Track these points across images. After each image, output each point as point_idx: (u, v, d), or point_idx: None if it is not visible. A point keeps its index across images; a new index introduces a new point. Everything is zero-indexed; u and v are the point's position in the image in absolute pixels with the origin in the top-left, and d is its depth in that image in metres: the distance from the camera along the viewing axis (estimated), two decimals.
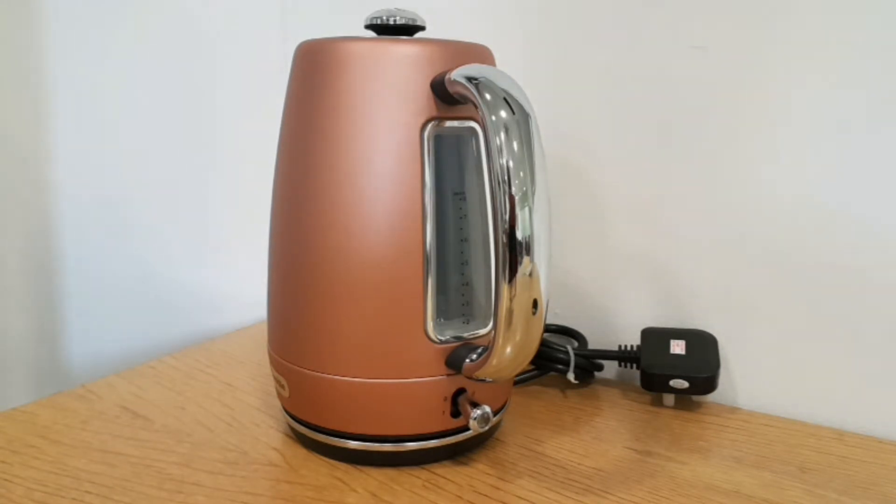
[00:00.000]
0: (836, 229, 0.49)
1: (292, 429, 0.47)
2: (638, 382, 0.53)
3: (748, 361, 0.53)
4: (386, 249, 0.40)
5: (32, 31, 0.61)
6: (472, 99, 0.36)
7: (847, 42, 0.47)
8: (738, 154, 0.52)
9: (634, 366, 0.55)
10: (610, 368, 0.58)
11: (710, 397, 0.53)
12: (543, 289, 0.35)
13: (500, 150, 0.34)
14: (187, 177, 0.71)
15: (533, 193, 0.35)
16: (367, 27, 0.43)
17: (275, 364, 0.45)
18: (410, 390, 0.41)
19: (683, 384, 0.50)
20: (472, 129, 0.42)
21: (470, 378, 0.40)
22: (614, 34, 0.56)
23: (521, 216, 0.34)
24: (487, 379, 0.39)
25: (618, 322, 0.59)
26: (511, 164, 0.34)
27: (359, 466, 0.43)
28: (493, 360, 0.37)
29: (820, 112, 0.49)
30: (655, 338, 0.54)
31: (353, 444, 0.43)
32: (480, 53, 0.43)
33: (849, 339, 0.50)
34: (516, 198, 0.34)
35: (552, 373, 0.57)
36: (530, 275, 0.35)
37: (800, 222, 0.50)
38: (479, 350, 0.40)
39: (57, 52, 0.62)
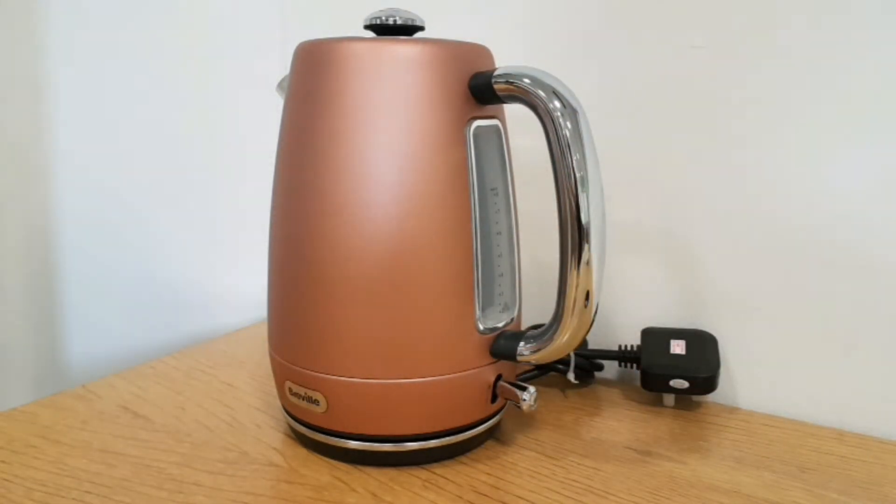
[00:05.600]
0: (836, 229, 0.49)
1: (292, 429, 0.47)
2: (638, 382, 0.53)
3: (748, 361, 0.53)
4: (437, 248, 0.40)
5: (33, 32, 0.61)
6: (529, 95, 0.39)
7: (854, 41, 0.47)
8: (738, 155, 0.52)
9: (634, 366, 0.55)
10: (610, 368, 0.58)
11: (710, 397, 0.53)
12: (596, 277, 0.39)
13: (566, 138, 0.38)
14: (187, 177, 0.71)
15: (587, 181, 0.38)
16: (367, 27, 0.43)
17: (302, 379, 0.43)
18: (462, 383, 0.42)
19: (683, 384, 0.50)
20: (496, 128, 0.44)
21: (520, 363, 0.43)
22: (615, 33, 0.56)
23: (582, 202, 0.38)
24: (532, 362, 0.43)
25: (618, 322, 0.59)
26: (571, 149, 0.38)
27: (359, 466, 0.43)
28: (552, 345, 0.41)
29: (819, 112, 0.49)
30: (655, 338, 0.54)
31: (353, 444, 0.43)
32: (480, 53, 0.43)
33: (848, 339, 0.50)
34: (578, 184, 0.38)
35: (552, 373, 0.57)
36: (587, 263, 0.38)
37: (800, 222, 0.50)
38: (529, 336, 0.42)
39: (57, 52, 0.62)
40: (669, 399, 0.53)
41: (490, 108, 0.43)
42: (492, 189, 0.43)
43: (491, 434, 0.47)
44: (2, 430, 0.47)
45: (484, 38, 0.45)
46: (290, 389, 0.44)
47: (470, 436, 0.44)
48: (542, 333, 0.42)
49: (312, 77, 0.41)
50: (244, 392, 0.55)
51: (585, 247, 0.38)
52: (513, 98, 0.40)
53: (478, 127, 0.42)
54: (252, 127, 0.72)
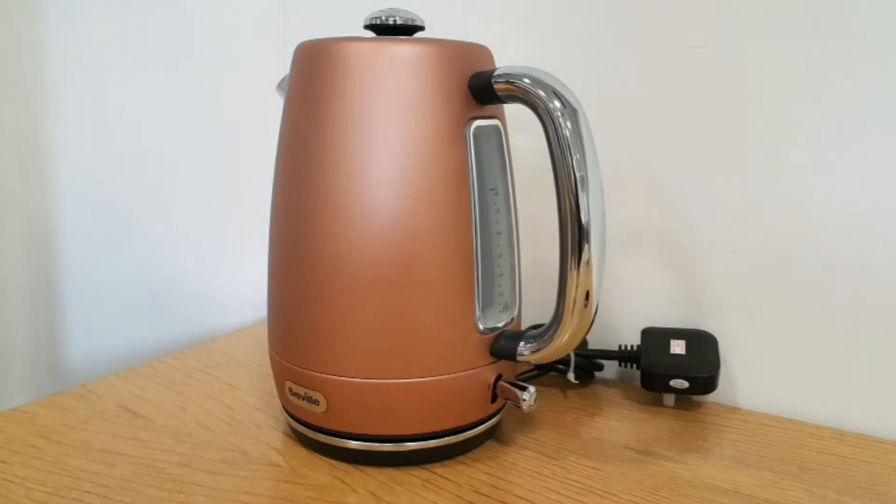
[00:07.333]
0: (836, 229, 0.49)
1: (292, 429, 0.47)
2: (638, 382, 0.53)
3: (748, 361, 0.53)
4: (437, 248, 0.40)
5: (32, 32, 0.61)
6: (529, 95, 0.39)
7: (851, 39, 0.47)
8: (738, 154, 0.52)
9: (634, 366, 0.55)
10: (610, 368, 0.58)
11: (710, 397, 0.53)
12: (596, 277, 0.39)
13: (566, 138, 0.38)
14: (187, 177, 0.71)
15: (587, 181, 0.38)
16: (367, 27, 0.43)
17: (302, 379, 0.43)
18: (462, 383, 0.42)
19: (683, 384, 0.50)
20: (496, 128, 0.44)
21: (520, 363, 0.43)
22: (615, 33, 0.56)
23: (582, 202, 0.38)
24: (532, 362, 0.43)
25: (618, 322, 0.59)
26: (571, 149, 0.38)
27: (359, 466, 0.43)
28: (552, 345, 0.41)
29: (817, 111, 0.49)
30: (655, 338, 0.54)
31: (353, 444, 0.43)
32: (480, 53, 0.43)
33: (849, 339, 0.50)
34: (578, 184, 0.38)
35: (552, 373, 0.57)
36: (587, 263, 0.38)
37: (799, 222, 0.50)
38: (529, 336, 0.42)
39: (57, 52, 0.62)
40: (669, 399, 0.53)
41: (490, 108, 0.43)
42: (492, 189, 0.43)
43: (491, 434, 0.47)
44: (2, 430, 0.47)
45: (484, 38, 0.45)
46: (290, 389, 0.44)
47: (470, 436, 0.44)
48: (542, 333, 0.42)
49: (312, 77, 0.41)
50: (244, 392, 0.55)
51: (585, 247, 0.38)
52: (513, 98, 0.40)
53: (478, 127, 0.42)
54: (252, 127, 0.72)
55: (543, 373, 0.57)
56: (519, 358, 0.43)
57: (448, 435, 0.43)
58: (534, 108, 0.39)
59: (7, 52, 0.60)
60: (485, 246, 0.42)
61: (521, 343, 0.42)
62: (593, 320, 0.40)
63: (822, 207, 0.49)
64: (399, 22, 0.42)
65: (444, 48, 0.41)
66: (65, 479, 0.42)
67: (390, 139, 0.40)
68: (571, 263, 0.39)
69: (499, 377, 0.44)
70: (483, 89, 0.41)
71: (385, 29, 0.43)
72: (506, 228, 0.44)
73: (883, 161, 0.47)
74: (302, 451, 0.45)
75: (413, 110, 0.40)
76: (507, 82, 0.40)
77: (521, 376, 0.55)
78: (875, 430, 0.49)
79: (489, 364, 0.43)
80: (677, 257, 0.56)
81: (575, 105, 0.38)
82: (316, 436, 0.44)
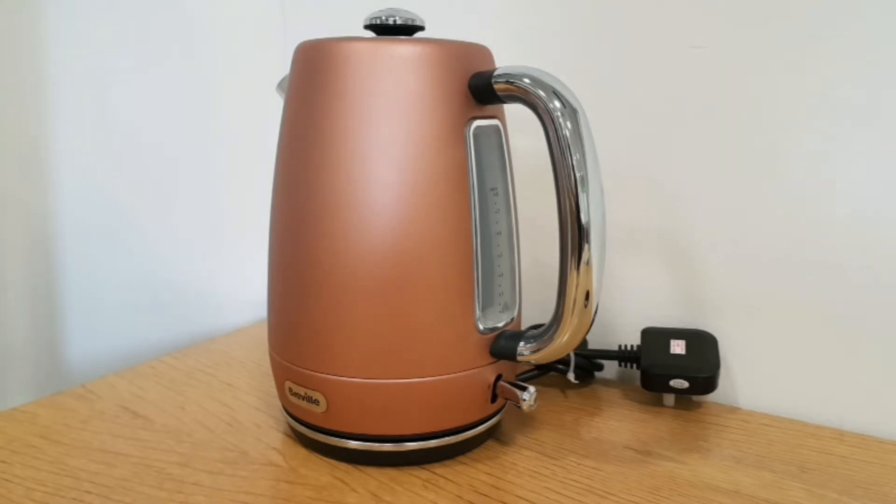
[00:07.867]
0: (836, 229, 0.49)
1: (292, 429, 0.47)
2: (638, 382, 0.53)
3: (748, 361, 0.53)
4: (437, 248, 0.40)
5: (33, 32, 0.61)
6: (529, 95, 0.39)
7: (850, 39, 0.47)
8: (738, 154, 0.52)
9: (634, 366, 0.55)
10: (610, 368, 0.58)
11: (710, 397, 0.53)
12: (596, 277, 0.39)
13: (566, 138, 0.38)
14: (187, 177, 0.71)
15: (587, 181, 0.38)
16: (367, 27, 0.43)
17: (302, 379, 0.43)
18: (462, 383, 0.42)
19: (683, 384, 0.50)
20: (496, 128, 0.44)
21: (520, 363, 0.43)
22: (615, 33, 0.56)
23: (582, 202, 0.38)
24: (532, 362, 0.43)
25: (618, 322, 0.59)
26: (571, 149, 0.38)
27: (359, 466, 0.43)
28: (552, 345, 0.41)
29: (818, 110, 0.49)
30: (655, 338, 0.54)
31: (353, 444, 0.43)
32: (480, 53, 0.43)
33: (849, 339, 0.50)
34: (578, 184, 0.38)
35: (552, 373, 0.57)
36: (587, 263, 0.39)
37: (799, 222, 0.50)
38: (529, 336, 0.43)
39: (57, 52, 0.62)
40: (669, 399, 0.53)
41: (490, 108, 0.43)
42: (492, 189, 0.43)
43: (491, 434, 0.47)
44: (2, 430, 0.47)
45: (484, 38, 0.45)
46: (290, 389, 0.44)
47: (470, 436, 0.44)
48: (542, 333, 0.42)
49: (312, 77, 0.41)
50: (244, 392, 0.55)
51: (585, 247, 0.38)
52: (513, 98, 0.40)
53: (478, 127, 0.42)
54: (252, 127, 0.72)
55: (543, 373, 0.57)
56: (519, 358, 0.43)
57: (448, 435, 0.43)
58: (534, 108, 0.39)
59: (7, 52, 0.60)
60: (485, 246, 0.42)
61: (521, 343, 0.42)
62: (593, 320, 0.40)
63: (822, 207, 0.49)
64: (399, 22, 0.42)
65: (444, 48, 0.41)
66: (65, 479, 0.42)
67: (390, 139, 0.40)
68: (571, 263, 0.39)
69: (499, 377, 0.44)
70: (483, 89, 0.41)
71: (385, 29, 0.43)
72: (506, 228, 0.44)
73: (883, 161, 0.47)
74: (302, 451, 0.45)
75: (413, 110, 0.40)
76: (507, 82, 0.40)
77: (521, 376, 0.55)
78: (875, 430, 0.49)
79: (489, 364, 0.43)
80: (677, 257, 0.56)
81: (575, 105, 0.38)
82: (316, 436, 0.44)
